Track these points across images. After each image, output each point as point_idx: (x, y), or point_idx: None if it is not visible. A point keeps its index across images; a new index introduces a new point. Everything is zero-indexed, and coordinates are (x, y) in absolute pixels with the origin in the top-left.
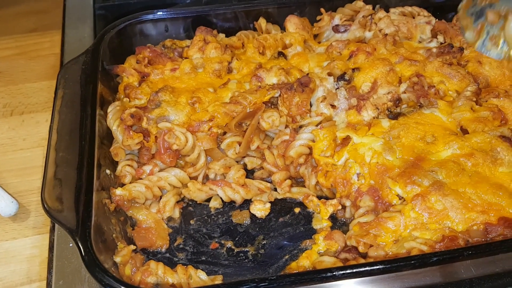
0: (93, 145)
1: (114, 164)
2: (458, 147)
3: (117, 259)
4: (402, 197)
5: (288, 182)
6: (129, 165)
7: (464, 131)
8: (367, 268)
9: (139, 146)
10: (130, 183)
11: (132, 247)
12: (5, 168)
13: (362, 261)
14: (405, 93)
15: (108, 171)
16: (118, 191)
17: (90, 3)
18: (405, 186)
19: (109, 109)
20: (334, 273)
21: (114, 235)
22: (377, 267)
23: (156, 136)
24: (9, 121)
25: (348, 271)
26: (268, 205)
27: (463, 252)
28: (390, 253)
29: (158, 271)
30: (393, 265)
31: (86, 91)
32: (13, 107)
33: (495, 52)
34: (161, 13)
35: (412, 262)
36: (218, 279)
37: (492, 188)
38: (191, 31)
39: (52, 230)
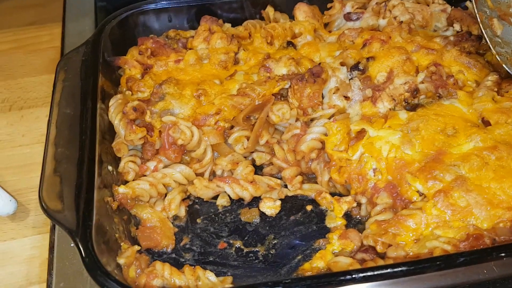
0: (94, 140)
1: (116, 161)
2: (481, 139)
3: (121, 260)
4: (423, 194)
5: (299, 178)
6: (132, 161)
7: (486, 123)
8: (389, 270)
9: (143, 141)
10: (133, 180)
11: (137, 247)
12: (3, 165)
13: (381, 262)
14: (423, 83)
15: (110, 168)
16: (121, 189)
17: None
18: (426, 182)
19: (110, 103)
20: (353, 276)
21: (117, 235)
22: (400, 269)
23: (160, 131)
24: (7, 116)
25: (369, 273)
26: (279, 202)
27: (492, 252)
28: (410, 253)
29: (164, 272)
30: (418, 266)
31: (86, 83)
32: (11, 102)
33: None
34: (164, 2)
35: (438, 263)
36: (228, 281)
37: None
38: (195, 21)
39: (52, 229)
